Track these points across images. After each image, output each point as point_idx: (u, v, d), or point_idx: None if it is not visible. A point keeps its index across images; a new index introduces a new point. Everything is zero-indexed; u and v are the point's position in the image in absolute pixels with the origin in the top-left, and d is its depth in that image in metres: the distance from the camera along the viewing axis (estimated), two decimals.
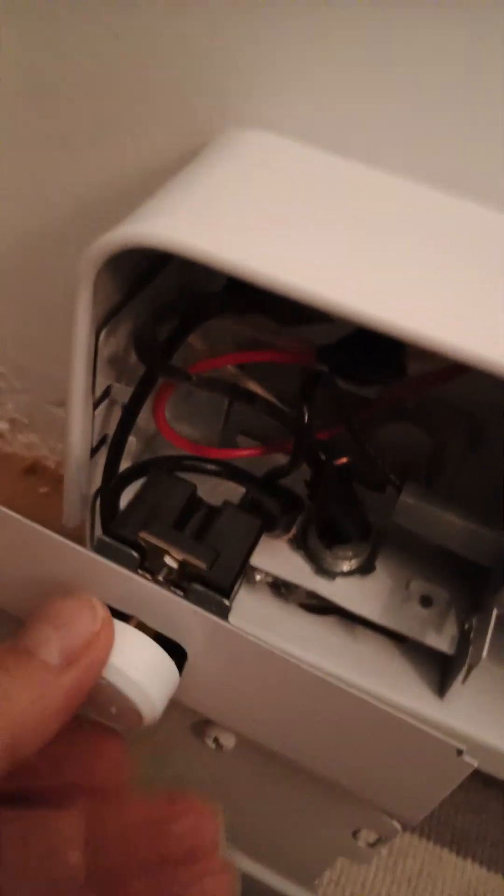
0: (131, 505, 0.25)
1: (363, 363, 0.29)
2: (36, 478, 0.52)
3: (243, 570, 0.23)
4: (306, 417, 0.29)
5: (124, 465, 0.36)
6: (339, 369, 0.30)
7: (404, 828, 0.25)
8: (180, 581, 0.23)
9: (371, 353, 0.29)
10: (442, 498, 0.33)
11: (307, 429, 0.30)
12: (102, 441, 0.35)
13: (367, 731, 0.20)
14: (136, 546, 0.22)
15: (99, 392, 0.32)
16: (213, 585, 0.22)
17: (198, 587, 0.22)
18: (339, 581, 0.38)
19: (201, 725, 0.27)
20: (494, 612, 0.32)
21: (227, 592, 0.22)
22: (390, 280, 0.25)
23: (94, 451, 0.35)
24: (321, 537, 0.37)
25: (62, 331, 0.43)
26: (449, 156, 0.30)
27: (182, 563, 0.23)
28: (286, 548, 0.38)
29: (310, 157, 0.31)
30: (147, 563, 0.22)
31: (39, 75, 0.34)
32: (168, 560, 0.23)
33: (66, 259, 0.39)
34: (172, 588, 0.22)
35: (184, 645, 0.21)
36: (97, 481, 0.36)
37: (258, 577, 0.39)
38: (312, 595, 0.38)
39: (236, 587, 0.23)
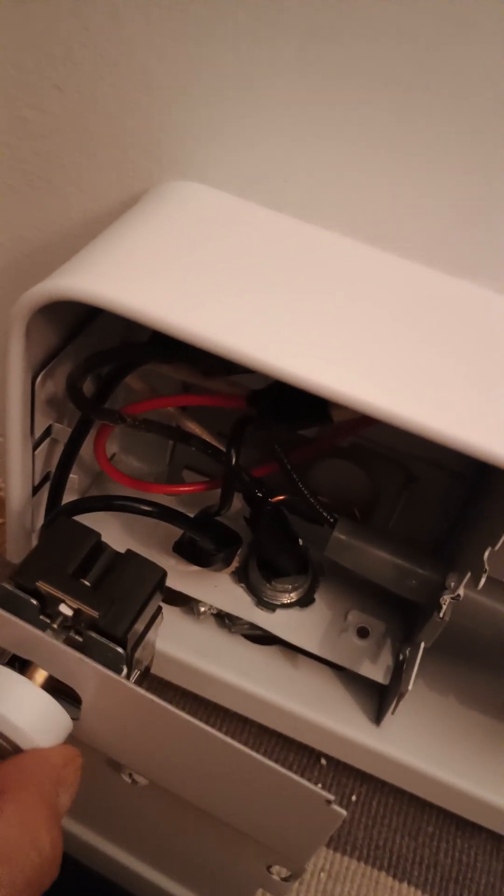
0: (35, 552, 0.25)
1: (290, 409, 0.30)
2: None
3: (138, 619, 0.23)
4: (234, 460, 0.30)
5: (69, 500, 0.37)
6: (267, 414, 0.31)
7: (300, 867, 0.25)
8: (77, 628, 0.23)
9: (297, 399, 0.30)
10: (373, 535, 0.35)
11: (236, 470, 0.31)
12: (47, 478, 0.36)
13: (247, 779, 0.21)
14: (35, 594, 0.23)
15: (39, 432, 0.33)
16: (106, 634, 0.23)
17: (93, 635, 0.23)
18: (280, 613, 0.39)
19: (116, 762, 0.28)
20: (422, 645, 0.33)
21: (121, 641, 0.23)
22: (302, 333, 0.26)
23: (37, 488, 0.36)
24: (261, 571, 0.38)
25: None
26: (374, 212, 0.31)
27: (77, 611, 0.23)
28: (229, 581, 0.39)
29: (240, 210, 0.32)
30: (48, 610, 0.23)
31: None
32: (63, 608, 0.23)
33: (10, 296, 0.40)
34: (72, 634, 0.23)
35: (77, 690, 0.22)
36: (37, 518, 0.37)
37: (203, 609, 0.40)
38: (254, 626, 0.39)
39: (132, 635, 0.23)
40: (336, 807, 0.19)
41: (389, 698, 0.37)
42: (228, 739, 0.20)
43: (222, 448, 0.33)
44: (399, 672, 0.36)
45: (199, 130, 0.32)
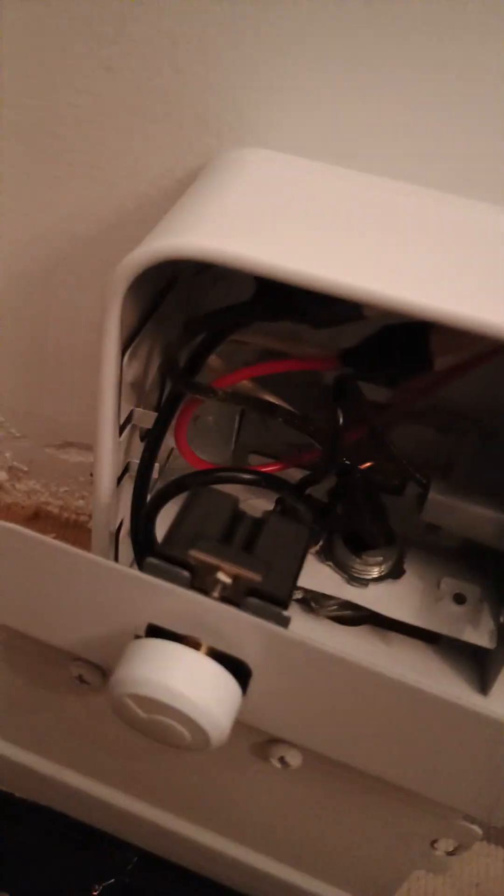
0: (175, 524, 0.24)
1: (390, 360, 0.29)
2: (40, 524, 0.50)
3: (297, 579, 0.23)
4: (341, 419, 0.29)
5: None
6: (364, 370, 0.30)
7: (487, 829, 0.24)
8: (234, 596, 0.22)
9: (395, 350, 0.29)
10: (468, 492, 0.34)
11: (340, 432, 0.30)
12: (124, 470, 0.35)
13: (445, 731, 0.20)
14: (185, 565, 0.22)
15: (123, 417, 0.32)
16: (269, 597, 0.22)
17: (254, 600, 0.21)
18: (372, 587, 0.38)
19: (263, 746, 0.27)
20: None
21: (285, 603, 0.22)
22: (413, 269, 0.25)
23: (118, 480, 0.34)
24: (348, 546, 0.37)
25: (61, 371, 0.43)
26: (442, 160, 0.31)
27: (235, 578, 0.22)
28: (314, 560, 0.38)
29: (311, 168, 0.32)
30: (197, 582, 0.22)
31: (33, 116, 0.34)
32: (220, 576, 0.22)
33: (63, 297, 0.39)
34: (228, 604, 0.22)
35: (247, 661, 0.21)
36: (118, 515, 0.35)
37: None
38: (345, 605, 0.38)
39: (292, 596, 0.22)
40: None
41: (495, 664, 0.36)
42: (430, 688, 0.19)
43: (310, 417, 0.32)
44: (502, 635, 0.36)
45: (257, 94, 0.32)
